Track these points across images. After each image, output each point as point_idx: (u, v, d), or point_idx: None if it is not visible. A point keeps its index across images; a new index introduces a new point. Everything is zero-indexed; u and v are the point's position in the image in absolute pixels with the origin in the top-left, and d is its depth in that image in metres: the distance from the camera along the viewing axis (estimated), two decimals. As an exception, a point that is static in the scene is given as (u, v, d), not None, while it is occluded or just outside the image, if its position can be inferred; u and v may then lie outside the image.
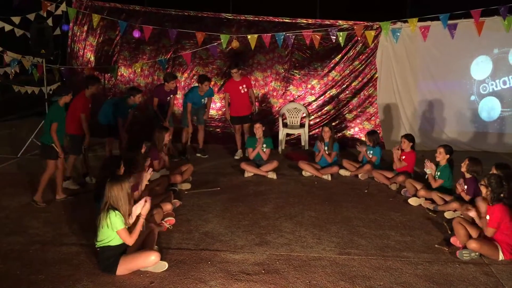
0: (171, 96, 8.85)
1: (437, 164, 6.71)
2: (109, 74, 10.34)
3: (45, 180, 6.40)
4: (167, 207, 5.85)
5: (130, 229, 4.54)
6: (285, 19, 10.01)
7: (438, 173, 6.62)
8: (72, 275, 4.45)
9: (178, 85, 9.42)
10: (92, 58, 10.46)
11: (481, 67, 9.66)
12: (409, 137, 7.52)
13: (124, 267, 4.46)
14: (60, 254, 4.88)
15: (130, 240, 4.50)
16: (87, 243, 5.08)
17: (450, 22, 8.80)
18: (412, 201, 6.58)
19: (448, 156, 6.62)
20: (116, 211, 4.43)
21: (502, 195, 4.95)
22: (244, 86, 8.92)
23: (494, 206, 4.93)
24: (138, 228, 4.57)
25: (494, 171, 5.59)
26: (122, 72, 10.46)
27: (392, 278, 4.50)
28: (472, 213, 5.24)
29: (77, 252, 4.92)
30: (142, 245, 4.71)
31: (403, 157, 7.39)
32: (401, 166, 7.33)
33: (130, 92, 8.02)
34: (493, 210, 4.93)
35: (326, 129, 8.00)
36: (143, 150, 6.52)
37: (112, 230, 4.41)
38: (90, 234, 5.25)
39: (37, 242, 5.17)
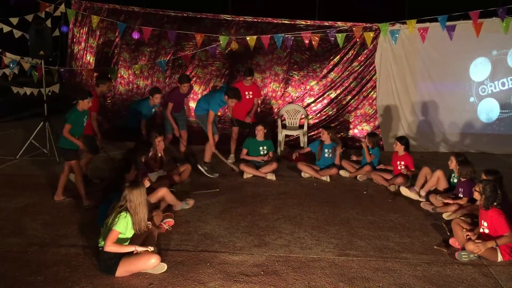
0: (186, 99, 8.52)
1: (451, 173, 6.71)
2: (109, 76, 10.31)
3: (79, 181, 6.41)
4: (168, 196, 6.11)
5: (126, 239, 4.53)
6: (284, 20, 10.01)
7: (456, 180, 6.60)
8: (70, 276, 4.44)
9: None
10: (92, 60, 10.46)
11: (479, 69, 9.68)
12: (402, 140, 7.50)
13: (124, 269, 4.45)
14: (58, 255, 4.88)
15: (109, 246, 4.38)
16: (86, 245, 5.08)
17: (448, 23, 8.81)
18: (404, 191, 6.87)
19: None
20: (128, 215, 4.43)
21: (495, 203, 4.94)
22: (251, 92, 8.73)
23: (488, 212, 4.96)
24: (125, 248, 4.46)
25: (483, 177, 5.53)
26: (122, 73, 10.45)
27: (391, 279, 4.50)
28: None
29: (76, 253, 4.91)
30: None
31: (402, 162, 7.40)
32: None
33: (150, 92, 7.99)
34: (488, 215, 4.96)
35: (322, 130, 8.05)
36: (150, 154, 6.63)
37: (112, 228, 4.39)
38: (88, 235, 5.26)
39: (36, 243, 5.16)
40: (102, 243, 4.49)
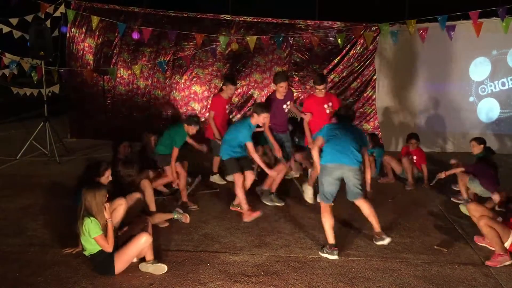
0: (288, 104, 6.61)
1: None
2: (108, 76, 10.32)
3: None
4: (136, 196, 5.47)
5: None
6: (284, 20, 10.02)
7: None
8: (71, 277, 4.44)
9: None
10: (91, 60, 10.46)
11: (479, 69, 9.69)
12: (415, 136, 7.71)
13: (121, 262, 4.44)
14: (59, 256, 4.87)
15: (108, 247, 4.40)
16: (86, 245, 5.08)
17: (448, 23, 8.82)
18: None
19: (482, 145, 6.81)
20: (92, 218, 4.35)
21: None
22: (330, 104, 6.60)
23: None
24: (110, 232, 4.44)
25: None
26: (122, 74, 10.45)
27: (391, 279, 4.50)
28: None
29: (76, 254, 4.90)
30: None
31: (414, 157, 7.55)
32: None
33: (254, 110, 6.09)
34: None
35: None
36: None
37: (90, 237, 4.36)
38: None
39: (36, 244, 5.16)
40: (87, 252, 4.48)
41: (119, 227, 4.80)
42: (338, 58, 10.00)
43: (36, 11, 9.64)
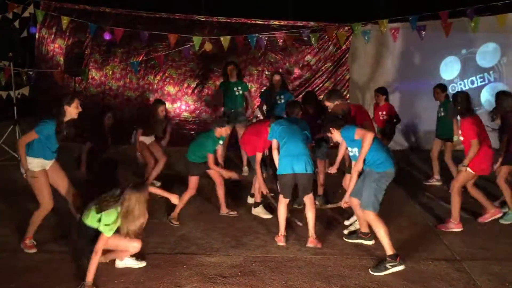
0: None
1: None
2: (79, 77, 10.14)
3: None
4: None
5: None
6: (258, 20, 10.03)
7: (441, 109, 7.32)
8: (44, 283, 4.35)
9: None
10: (61, 61, 10.25)
11: (450, 68, 9.91)
12: (381, 90, 7.75)
13: (104, 242, 4.28)
14: (31, 261, 4.77)
15: (98, 253, 4.19)
16: (58, 250, 4.98)
17: (419, 23, 8.95)
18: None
19: (445, 93, 7.29)
20: (118, 222, 4.21)
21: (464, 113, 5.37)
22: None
23: (464, 120, 5.35)
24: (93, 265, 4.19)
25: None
26: (93, 75, 10.29)
27: (367, 276, 4.55)
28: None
29: (49, 259, 4.80)
30: None
31: (384, 112, 7.64)
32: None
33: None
34: (463, 123, 5.38)
35: None
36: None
37: (98, 223, 4.21)
38: (61, 241, 5.16)
39: (7, 250, 5.03)
40: (87, 219, 4.31)
41: None
42: (312, 58, 10.09)
43: (4, 11, 9.40)
